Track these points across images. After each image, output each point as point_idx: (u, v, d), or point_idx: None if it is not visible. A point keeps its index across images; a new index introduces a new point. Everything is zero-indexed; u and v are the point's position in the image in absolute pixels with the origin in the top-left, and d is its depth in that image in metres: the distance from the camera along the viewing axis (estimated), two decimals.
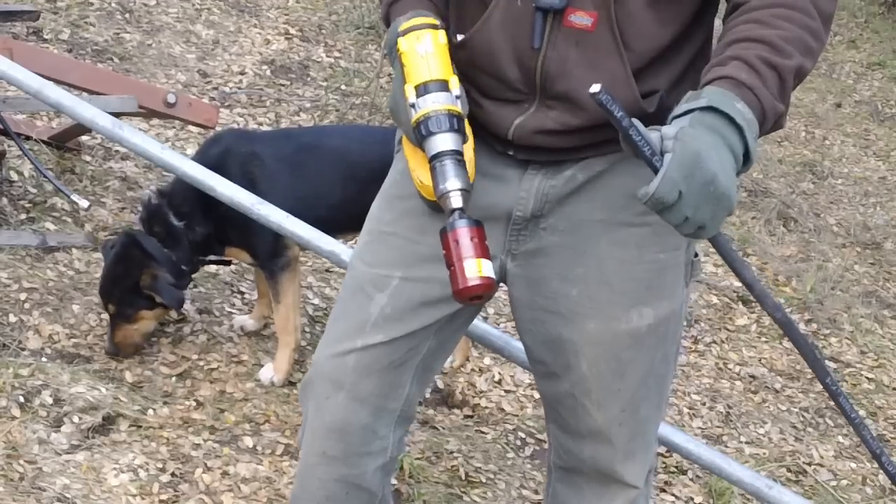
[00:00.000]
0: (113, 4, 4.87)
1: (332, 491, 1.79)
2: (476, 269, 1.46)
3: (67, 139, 3.67)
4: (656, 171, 1.34)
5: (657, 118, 1.56)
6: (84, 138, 3.76)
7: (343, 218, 2.83)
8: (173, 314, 3.05)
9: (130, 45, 4.62)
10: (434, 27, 1.58)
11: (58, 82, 3.02)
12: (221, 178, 2.62)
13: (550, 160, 1.63)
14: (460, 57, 1.63)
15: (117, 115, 2.98)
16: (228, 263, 3.20)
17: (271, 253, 2.91)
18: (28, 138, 3.53)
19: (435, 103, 1.53)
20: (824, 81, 6.94)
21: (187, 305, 3.15)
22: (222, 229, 2.92)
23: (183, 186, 2.89)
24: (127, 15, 4.85)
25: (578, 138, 1.60)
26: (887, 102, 6.87)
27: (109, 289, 2.87)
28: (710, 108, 1.36)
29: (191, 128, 4.01)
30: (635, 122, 1.36)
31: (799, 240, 4.89)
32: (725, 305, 4.13)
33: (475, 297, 1.48)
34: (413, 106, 1.54)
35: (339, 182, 2.92)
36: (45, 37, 4.43)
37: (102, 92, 3.30)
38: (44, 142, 3.60)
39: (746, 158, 1.38)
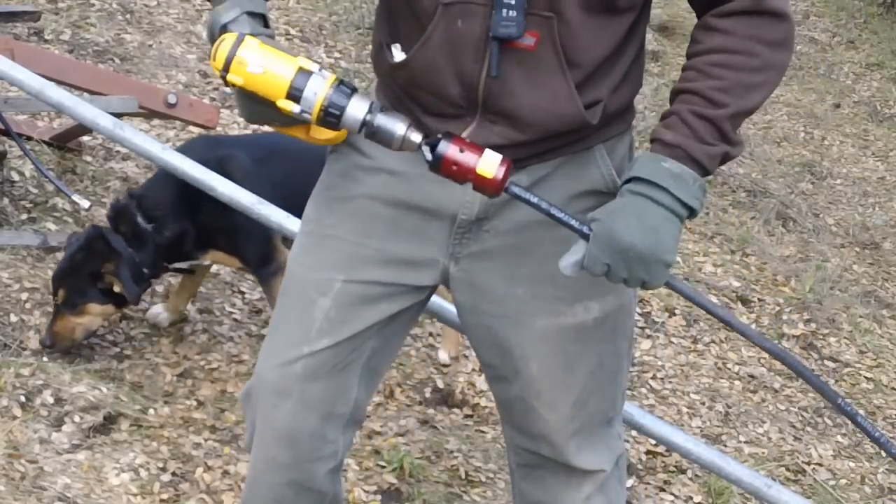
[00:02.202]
0: (114, 5, 4.87)
1: (281, 494, 1.79)
2: (490, 166, 1.52)
3: (68, 139, 3.67)
4: (586, 238, 1.52)
5: (600, 130, 1.63)
6: (85, 139, 3.77)
7: None
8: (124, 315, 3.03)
9: (131, 45, 4.63)
10: (239, 35, 1.53)
11: (59, 83, 3.02)
12: (221, 178, 2.63)
13: None
14: (400, 76, 1.64)
15: (118, 115, 2.98)
16: (191, 272, 3.16)
17: (262, 259, 2.90)
18: (29, 139, 3.53)
19: (316, 89, 1.51)
20: (823, 82, 6.94)
21: (189, 305, 3.16)
22: (207, 234, 2.90)
23: (155, 190, 2.89)
24: (128, 16, 4.85)
25: (524, 151, 1.62)
26: (886, 103, 6.88)
27: (64, 274, 2.84)
28: (635, 178, 1.52)
29: (192, 128, 4.01)
30: (553, 205, 1.54)
31: (798, 240, 4.90)
32: (724, 305, 4.14)
33: (506, 183, 1.55)
34: (302, 112, 1.52)
35: (314, 182, 2.87)
36: (47, 37, 4.44)
37: (103, 92, 3.31)
38: (45, 142, 3.61)
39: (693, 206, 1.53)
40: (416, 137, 1.54)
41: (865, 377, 3.93)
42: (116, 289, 2.82)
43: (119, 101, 3.24)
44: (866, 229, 5.18)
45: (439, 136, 1.55)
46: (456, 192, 1.64)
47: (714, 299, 4.15)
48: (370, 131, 1.54)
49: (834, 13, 8.03)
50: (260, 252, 2.89)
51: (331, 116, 1.53)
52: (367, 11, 5.42)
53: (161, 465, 2.58)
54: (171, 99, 3.39)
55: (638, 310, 3.72)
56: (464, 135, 1.60)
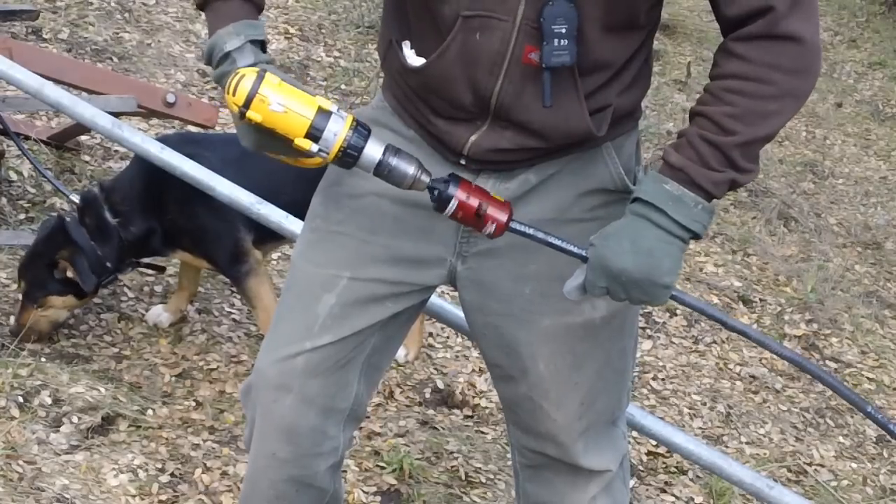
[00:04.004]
0: (112, 4, 4.86)
1: (282, 490, 1.79)
2: (498, 210, 1.57)
3: (66, 139, 3.66)
4: (585, 260, 1.56)
5: (607, 138, 1.63)
6: (83, 138, 3.76)
7: (294, 216, 2.78)
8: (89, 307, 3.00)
9: (130, 44, 4.62)
10: (259, 71, 1.53)
11: (57, 82, 3.01)
12: (221, 178, 2.61)
13: (503, 168, 1.66)
14: (413, 80, 1.64)
15: (117, 114, 2.97)
16: (162, 270, 3.14)
17: (231, 260, 2.86)
18: (27, 138, 3.52)
19: (336, 129, 1.53)
20: (825, 81, 6.93)
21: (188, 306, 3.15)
22: (173, 233, 2.88)
23: (124, 184, 2.87)
24: (126, 14, 4.85)
25: (532, 153, 1.63)
26: (888, 102, 6.87)
27: (25, 265, 2.85)
28: (637, 199, 1.55)
29: (191, 128, 4.00)
30: (550, 234, 1.58)
31: (800, 240, 4.88)
32: (726, 305, 4.13)
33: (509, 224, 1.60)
34: (320, 151, 1.54)
35: (290, 182, 2.84)
36: (45, 36, 4.43)
37: (102, 91, 3.30)
38: (43, 141, 3.60)
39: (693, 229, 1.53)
40: (426, 178, 1.57)
41: (867, 378, 3.92)
42: (70, 274, 2.80)
43: (117, 100, 3.23)
44: (868, 229, 5.16)
45: (446, 178, 1.57)
46: None
47: (715, 299, 4.14)
48: (384, 171, 1.56)
49: (835, 12, 8.02)
50: (227, 254, 2.85)
51: (348, 157, 1.55)
52: (366, 10, 5.41)
53: (160, 465, 2.57)
54: (170, 98, 3.38)
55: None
56: (473, 138, 1.61)
